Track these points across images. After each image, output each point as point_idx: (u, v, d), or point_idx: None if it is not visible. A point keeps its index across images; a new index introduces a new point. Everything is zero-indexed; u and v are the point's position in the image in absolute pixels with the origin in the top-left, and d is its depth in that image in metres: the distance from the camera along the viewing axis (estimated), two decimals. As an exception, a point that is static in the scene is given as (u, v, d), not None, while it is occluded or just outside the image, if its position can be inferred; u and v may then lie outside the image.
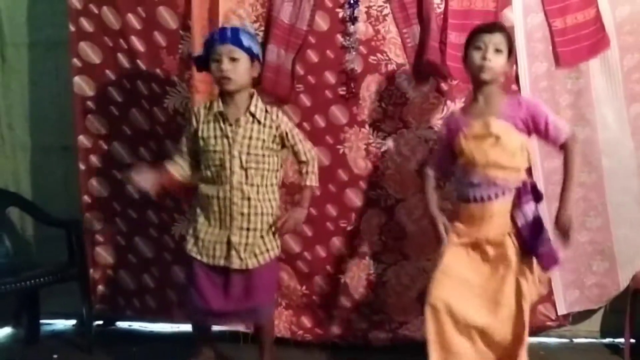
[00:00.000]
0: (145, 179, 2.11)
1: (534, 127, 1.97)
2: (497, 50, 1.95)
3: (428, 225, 2.48)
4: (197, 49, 2.42)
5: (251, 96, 2.14)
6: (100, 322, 2.96)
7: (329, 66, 2.55)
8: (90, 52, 2.66)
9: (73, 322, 3.01)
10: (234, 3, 2.55)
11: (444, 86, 2.52)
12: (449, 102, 2.53)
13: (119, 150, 2.72)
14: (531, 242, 1.93)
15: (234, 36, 2.07)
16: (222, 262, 2.12)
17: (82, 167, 2.75)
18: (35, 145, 3.00)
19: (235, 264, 2.11)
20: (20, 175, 3.01)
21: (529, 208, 1.95)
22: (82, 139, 2.73)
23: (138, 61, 2.60)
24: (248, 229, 2.11)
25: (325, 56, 2.55)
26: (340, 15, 2.52)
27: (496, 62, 1.94)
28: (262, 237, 2.14)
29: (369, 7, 2.52)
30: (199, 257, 2.15)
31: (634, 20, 2.50)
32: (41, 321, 2.89)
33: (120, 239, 2.79)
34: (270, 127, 2.13)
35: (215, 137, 2.12)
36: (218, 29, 2.20)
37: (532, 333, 2.70)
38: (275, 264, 2.27)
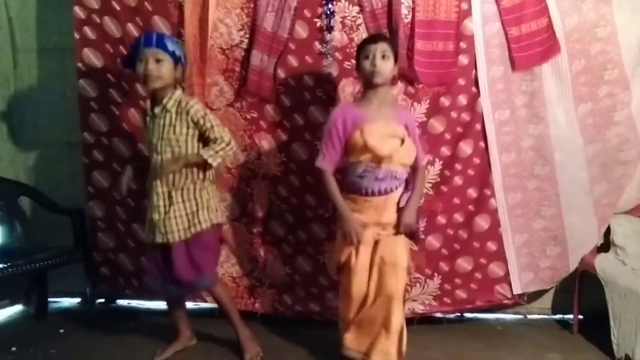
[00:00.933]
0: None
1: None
2: (384, 56, 2.14)
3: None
4: (189, 54, 2.57)
5: (171, 92, 2.29)
6: (103, 300, 3.10)
7: (308, 70, 2.68)
8: (93, 58, 2.79)
9: (78, 300, 3.16)
10: (222, 13, 2.67)
11: (411, 89, 2.68)
12: (415, 103, 2.68)
13: (119, 145, 2.84)
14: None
15: (159, 41, 2.23)
16: (152, 239, 2.31)
17: (85, 160, 2.87)
18: (43, 141, 3.12)
19: (158, 238, 2.27)
20: (30, 168, 3.13)
21: (407, 194, 2.22)
22: (86, 136, 2.85)
23: (136, 65, 2.75)
24: (165, 207, 2.28)
25: (305, 61, 2.68)
26: (318, 24, 2.66)
27: (385, 66, 2.14)
28: (186, 214, 2.28)
29: (344, 18, 2.66)
30: (147, 239, 2.35)
31: (581, 30, 2.64)
32: (49, 299, 3.04)
33: (120, 225, 2.90)
34: (180, 113, 2.25)
35: (149, 129, 2.33)
36: (144, 34, 2.31)
37: (491, 310, 2.91)
38: (202, 241, 2.31)
